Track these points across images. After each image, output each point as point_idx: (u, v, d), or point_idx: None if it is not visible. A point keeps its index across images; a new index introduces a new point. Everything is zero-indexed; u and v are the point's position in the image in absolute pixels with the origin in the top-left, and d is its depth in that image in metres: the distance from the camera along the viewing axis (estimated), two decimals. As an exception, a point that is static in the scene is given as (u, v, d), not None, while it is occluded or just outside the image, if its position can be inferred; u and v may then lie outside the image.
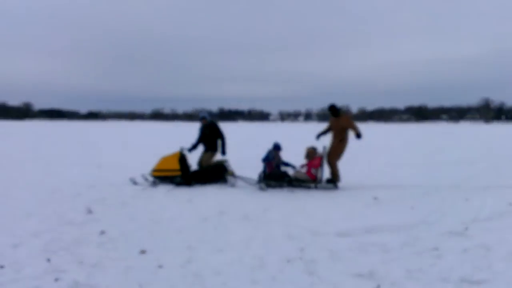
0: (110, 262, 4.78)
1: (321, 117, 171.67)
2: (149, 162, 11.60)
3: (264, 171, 9.72)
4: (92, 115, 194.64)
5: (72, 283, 4.20)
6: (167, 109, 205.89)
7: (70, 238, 5.65)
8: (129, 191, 9.14)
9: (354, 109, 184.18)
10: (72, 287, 4.15)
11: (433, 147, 24.15)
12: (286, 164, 9.99)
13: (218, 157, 10.72)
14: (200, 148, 10.81)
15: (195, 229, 6.17)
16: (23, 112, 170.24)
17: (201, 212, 7.23)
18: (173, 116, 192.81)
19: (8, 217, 6.74)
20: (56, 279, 4.27)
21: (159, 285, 4.22)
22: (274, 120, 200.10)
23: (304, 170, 9.68)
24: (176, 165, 10.05)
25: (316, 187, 9.56)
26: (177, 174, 10.04)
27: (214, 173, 10.20)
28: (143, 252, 5.13)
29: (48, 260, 4.79)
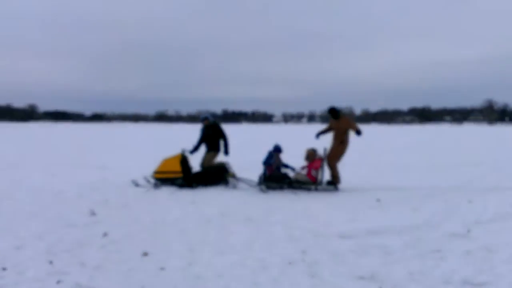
0: (112, 264, 4.79)
1: (324, 118, 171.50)
2: (153, 164, 11.62)
3: (264, 173, 9.73)
4: (97, 117, 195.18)
5: (74, 285, 4.21)
6: (171, 111, 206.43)
7: (72, 240, 5.67)
8: (132, 193, 9.16)
9: (358, 110, 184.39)
10: (75, 289, 4.17)
11: (436, 149, 24.09)
12: (286, 166, 10.00)
13: (221, 157, 10.74)
14: (202, 150, 10.82)
15: (197, 231, 6.18)
16: (28, 114, 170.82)
17: (204, 214, 7.23)
18: (177, 118, 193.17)
19: (11, 219, 6.76)
20: (59, 281, 4.29)
21: (161, 287, 4.23)
22: (277, 122, 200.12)
23: (304, 172, 9.68)
24: (177, 167, 10.07)
25: (316, 189, 9.56)
26: (179, 176, 10.06)
27: (215, 175, 10.22)
28: (145, 254, 5.14)
29: (51, 262, 4.81)
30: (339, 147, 9.70)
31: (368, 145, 27.15)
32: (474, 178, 11.55)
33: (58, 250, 5.25)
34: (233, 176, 10.21)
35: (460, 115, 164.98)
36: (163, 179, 10.08)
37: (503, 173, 12.50)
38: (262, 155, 10.21)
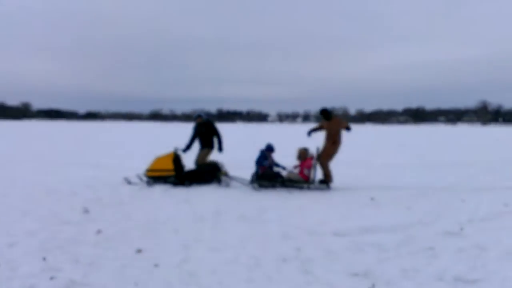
0: (106, 261, 4.78)
1: (319, 118, 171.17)
2: (147, 163, 11.60)
3: (257, 172, 9.75)
4: (91, 115, 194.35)
5: (68, 282, 4.19)
6: (165, 110, 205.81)
7: (66, 237, 5.65)
8: (126, 191, 9.14)
9: (352, 110, 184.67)
10: (68, 286, 4.15)
11: (430, 149, 24.22)
12: (277, 165, 10.01)
13: (214, 154, 10.74)
14: (195, 148, 10.81)
15: (191, 229, 6.17)
16: (22, 112, 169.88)
17: (198, 211, 7.23)
18: (172, 117, 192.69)
19: (4, 216, 6.72)
20: (52, 278, 4.27)
21: (155, 284, 4.23)
22: (272, 121, 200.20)
23: (296, 171, 9.72)
24: (170, 165, 10.07)
25: (308, 188, 9.59)
26: (171, 174, 10.05)
27: (208, 174, 10.21)
28: (139, 251, 5.13)
29: (44, 259, 4.79)
30: (332, 147, 9.76)
31: (362, 144, 27.25)
32: (467, 177, 11.63)
33: (51, 247, 5.22)
34: (226, 174, 10.23)
35: (454, 116, 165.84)
36: (155, 177, 10.07)
37: (496, 173, 12.60)
38: (256, 154, 10.22)
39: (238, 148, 19.87)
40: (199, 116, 10.94)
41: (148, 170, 10.13)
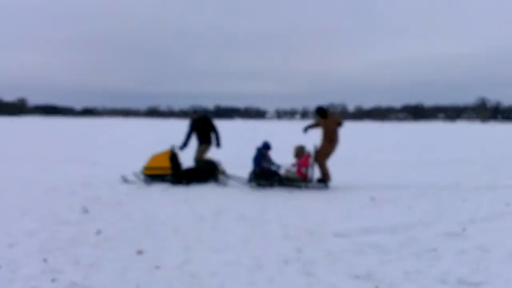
0: (106, 263, 4.75)
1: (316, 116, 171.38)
2: (144, 160, 11.54)
3: (254, 171, 9.72)
4: (87, 112, 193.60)
5: (69, 284, 4.16)
6: (163, 106, 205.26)
7: (66, 238, 5.62)
8: (125, 190, 9.10)
9: (351, 107, 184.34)
10: (69, 287, 4.12)
11: (430, 147, 24.21)
12: (272, 164, 9.97)
13: (213, 150, 10.69)
14: (192, 145, 10.75)
15: (192, 229, 6.15)
16: (18, 108, 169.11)
17: (198, 212, 7.20)
18: (169, 113, 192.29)
19: (3, 216, 6.69)
20: (53, 280, 4.24)
21: (156, 285, 4.20)
22: (270, 118, 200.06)
23: (294, 169, 9.69)
24: (167, 163, 10.02)
25: (306, 187, 9.57)
26: (168, 172, 10.00)
27: (205, 172, 10.17)
28: (140, 252, 5.10)
29: (45, 260, 4.75)
30: (329, 145, 9.75)
31: (361, 142, 27.25)
32: (468, 176, 11.61)
33: (51, 248, 5.19)
34: (223, 173, 10.19)
35: (453, 113, 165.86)
36: (152, 175, 10.03)
37: (497, 172, 12.58)
38: (253, 152, 10.15)
39: (235, 146, 19.82)
40: (195, 111, 10.88)
41: (145, 168, 10.09)
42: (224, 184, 9.98)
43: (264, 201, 8.08)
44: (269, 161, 9.91)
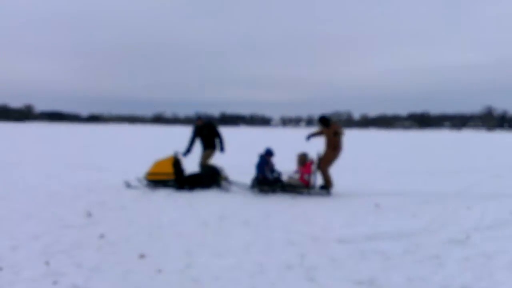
0: (109, 266, 4.76)
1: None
2: (148, 166, 11.59)
3: (257, 177, 9.72)
4: (93, 118, 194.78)
5: (71, 286, 4.17)
6: (168, 113, 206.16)
7: (69, 241, 5.63)
8: (129, 195, 9.12)
9: (356, 115, 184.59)
10: (71, 290, 4.13)
11: (435, 155, 24.11)
12: (272, 171, 9.93)
13: (216, 156, 10.70)
14: (196, 151, 10.77)
15: (194, 234, 6.14)
16: (24, 114, 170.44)
17: (201, 216, 7.20)
18: (175, 120, 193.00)
19: (7, 219, 6.72)
20: (55, 282, 4.25)
21: (158, 289, 4.19)
22: (275, 125, 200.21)
23: (297, 176, 9.69)
24: (170, 169, 10.05)
25: (309, 193, 9.55)
26: (171, 178, 10.03)
27: (208, 178, 10.18)
28: (142, 256, 5.10)
29: (47, 263, 4.77)
30: (332, 153, 9.76)
31: (366, 150, 27.17)
32: (473, 184, 11.55)
33: (54, 251, 5.20)
34: (226, 179, 10.20)
35: (459, 121, 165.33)
36: (155, 180, 10.05)
37: (502, 180, 12.50)
38: (256, 158, 10.15)
39: (240, 153, 19.84)
40: (199, 118, 10.92)
41: (148, 174, 10.12)
42: (227, 190, 9.98)
43: (267, 207, 8.07)
44: (272, 168, 9.90)
